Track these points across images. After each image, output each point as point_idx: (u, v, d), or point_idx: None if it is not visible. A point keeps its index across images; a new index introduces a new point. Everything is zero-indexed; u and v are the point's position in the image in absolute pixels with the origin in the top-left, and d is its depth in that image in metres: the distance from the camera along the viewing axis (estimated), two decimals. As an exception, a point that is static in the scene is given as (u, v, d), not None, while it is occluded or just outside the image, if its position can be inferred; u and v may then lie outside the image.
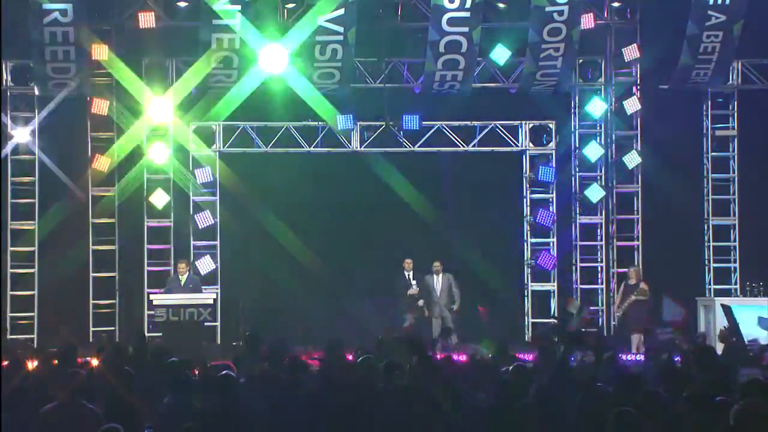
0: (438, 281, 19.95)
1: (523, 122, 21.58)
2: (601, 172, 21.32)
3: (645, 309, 19.55)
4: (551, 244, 21.44)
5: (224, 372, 9.79)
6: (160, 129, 20.22)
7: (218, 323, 20.53)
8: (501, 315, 20.78)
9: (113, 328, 20.35)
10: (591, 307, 21.01)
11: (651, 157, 20.94)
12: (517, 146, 21.61)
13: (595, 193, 21.10)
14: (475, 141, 21.53)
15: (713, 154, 21.67)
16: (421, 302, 19.83)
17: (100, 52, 19.47)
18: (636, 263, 20.71)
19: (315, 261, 21.05)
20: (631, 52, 20.64)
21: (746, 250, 21.30)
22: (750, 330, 17.76)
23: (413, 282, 19.96)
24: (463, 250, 21.07)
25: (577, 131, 21.57)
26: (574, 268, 21.41)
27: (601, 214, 21.37)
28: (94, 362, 12.27)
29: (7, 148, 20.44)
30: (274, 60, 19.39)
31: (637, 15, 20.86)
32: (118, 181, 20.54)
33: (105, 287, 20.63)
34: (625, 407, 7.45)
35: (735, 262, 21.45)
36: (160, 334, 18.43)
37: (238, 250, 21.14)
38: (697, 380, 9.66)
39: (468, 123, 21.53)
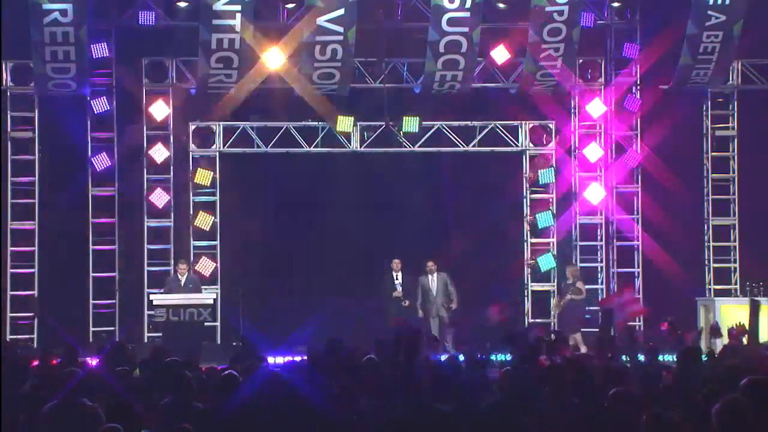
0: (433, 281, 19.89)
1: (523, 122, 21.56)
2: (601, 172, 21.32)
3: (580, 308, 19.62)
4: (551, 244, 21.45)
5: (227, 372, 9.78)
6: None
7: (218, 323, 20.53)
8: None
9: (113, 328, 20.33)
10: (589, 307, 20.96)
11: (651, 157, 20.94)
12: (517, 146, 21.59)
13: (595, 193, 21.10)
14: (475, 141, 21.51)
15: (713, 154, 21.67)
16: (406, 303, 19.74)
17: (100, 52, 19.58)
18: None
19: (315, 261, 21.08)
20: (631, 52, 20.65)
21: (746, 250, 21.30)
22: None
23: (397, 282, 19.86)
24: (463, 250, 21.06)
25: (577, 131, 21.56)
26: (574, 268, 21.38)
27: (601, 214, 21.37)
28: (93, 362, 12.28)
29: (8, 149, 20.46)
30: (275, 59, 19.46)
31: (637, 15, 20.88)
32: (118, 179, 20.60)
33: (105, 287, 20.62)
34: None
35: (735, 262, 21.45)
36: (160, 334, 18.46)
37: (238, 250, 21.12)
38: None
39: (468, 123, 21.50)
